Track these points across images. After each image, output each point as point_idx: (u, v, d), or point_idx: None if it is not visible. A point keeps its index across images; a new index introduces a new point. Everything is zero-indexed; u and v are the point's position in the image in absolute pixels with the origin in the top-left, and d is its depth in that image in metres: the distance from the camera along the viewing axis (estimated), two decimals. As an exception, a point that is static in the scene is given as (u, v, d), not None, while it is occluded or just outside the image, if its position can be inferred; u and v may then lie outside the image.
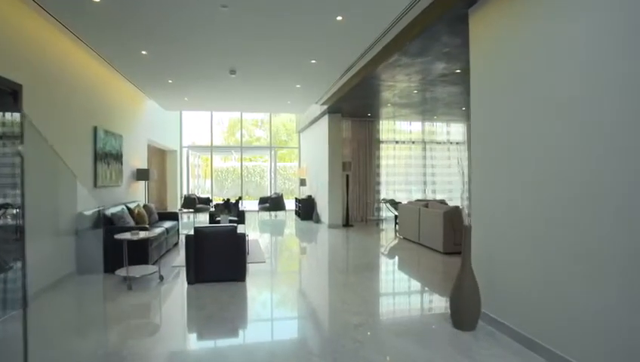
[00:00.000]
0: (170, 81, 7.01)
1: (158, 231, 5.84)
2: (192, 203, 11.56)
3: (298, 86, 7.48)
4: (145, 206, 6.81)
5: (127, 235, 4.61)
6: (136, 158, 8.05)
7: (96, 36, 4.96)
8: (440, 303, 4.06)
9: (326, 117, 9.80)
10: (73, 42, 5.13)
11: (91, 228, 5.14)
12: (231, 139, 17.94)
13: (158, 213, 7.31)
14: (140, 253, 5.09)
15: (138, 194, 8.08)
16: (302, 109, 10.91)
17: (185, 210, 11.09)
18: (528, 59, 2.92)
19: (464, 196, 3.43)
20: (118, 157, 6.77)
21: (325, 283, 4.99)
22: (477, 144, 3.62)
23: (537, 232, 2.85)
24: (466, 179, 3.46)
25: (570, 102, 2.55)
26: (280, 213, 12.73)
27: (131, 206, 6.40)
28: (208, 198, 12.62)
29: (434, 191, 11.83)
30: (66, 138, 5.03)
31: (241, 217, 7.43)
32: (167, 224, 6.71)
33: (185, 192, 13.52)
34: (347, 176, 10.05)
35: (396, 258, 6.53)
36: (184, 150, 14.01)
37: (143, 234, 4.74)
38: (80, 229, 5.08)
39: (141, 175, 8.00)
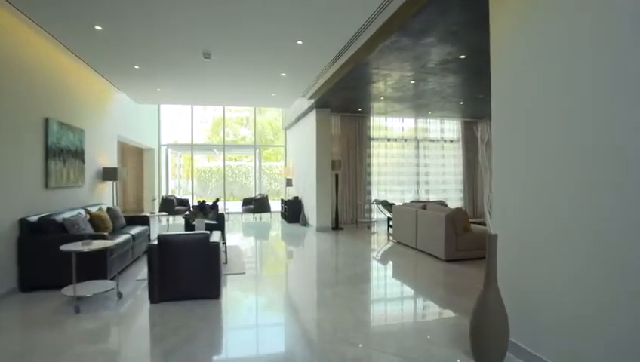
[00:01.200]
0: (136, 67, 6.20)
1: (120, 239, 5.07)
2: (170, 205, 10.73)
3: (283, 75, 6.77)
4: (109, 209, 6.01)
5: (76, 246, 3.83)
6: (102, 156, 7.22)
7: (41, 9, 4.17)
8: (454, 328, 3.40)
9: (314, 112, 9.11)
10: (15, 17, 4.33)
11: (38, 236, 4.34)
12: (215, 139, 17.10)
13: (128, 217, 6.52)
14: (97, 265, 4.31)
15: (105, 196, 7.26)
16: (288, 103, 10.19)
17: (157, 214, 10.25)
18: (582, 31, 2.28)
19: (487, 199, 2.77)
20: (78, 154, 5.95)
21: (314, 300, 4.30)
22: (501, 136, 2.97)
23: (586, 245, 2.21)
24: (485, 179, 2.80)
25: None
26: (265, 216, 11.99)
27: (92, 210, 5.60)
28: (187, 200, 11.80)
29: (427, 192, 11.25)
30: (6, 130, 4.22)
31: (220, 221, 6.68)
32: (136, 229, 5.93)
33: (164, 193, 12.66)
34: (336, 176, 9.38)
35: (393, 267, 5.87)
36: (163, 148, 13.14)
37: (97, 244, 3.96)
38: (23, 238, 4.27)
39: (108, 174, 7.19)
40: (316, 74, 6.84)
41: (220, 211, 7.85)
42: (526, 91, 2.67)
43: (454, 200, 11.44)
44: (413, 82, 6.66)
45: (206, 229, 5.90)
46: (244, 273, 5.20)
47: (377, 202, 9.03)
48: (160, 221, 10.90)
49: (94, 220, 5.27)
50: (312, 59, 5.94)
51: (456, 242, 5.71)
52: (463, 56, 5.21)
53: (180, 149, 14.99)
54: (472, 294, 4.04)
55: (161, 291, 3.88)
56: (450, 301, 4.09)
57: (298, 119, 10.64)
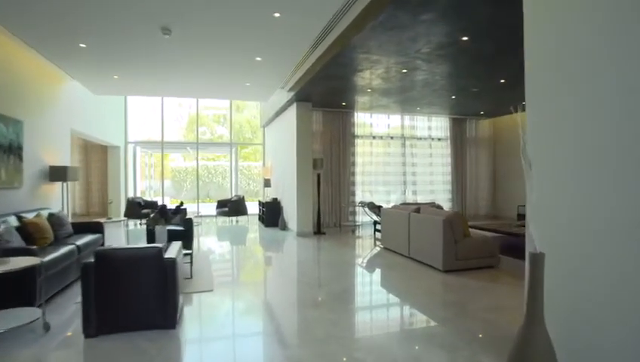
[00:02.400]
0: (82, 45, 5.27)
1: (59, 252, 4.17)
2: (135, 208, 9.75)
3: (258, 59, 5.98)
4: (52, 216, 5.08)
5: (-16, 266, 2.94)
6: (50, 152, 6.26)
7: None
8: (468, 363, 2.69)
9: (294, 106, 8.35)
10: None
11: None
12: (190, 137, 16.07)
13: (77, 225, 5.60)
14: (20, 289, 3.43)
15: (53, 200, 6.29)
16: (265, 96, 9.40)
17: (120, 219, 9.27)
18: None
19: (531, 202, 2.06)
20: (12, 150, 5.01)
21: (294, 328, 3.54)
22: (542, 120, 2.28)
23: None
24: (529, 182, 2.09)
25: None
26: (242, 219, 11.13)
27: (28, 216, 4.67)
28: (156, 202, 10.81)
29: (415, 193, 10.64)
30: None
31: (188, 226, 5.82)
32: (84, 239, 5.04)
33: (131, 195, 11.63)
34: (318, 176, 8.65)
35: (385, 281, 5.17)
36: (130, 146, 12.10)
37: (17, 262, 3.08)
38: None
39: (57, 174, 6.23)
40: (296, 60, 6.09)
41: (189, 215, 6.99)
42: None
43: (442, 201, 10.87)
44: (404, 71, 5.98)
45: (170, 237, 5.06)
46: (212, 290, 4.39)
47: (363, 204, 8.34)
48: (127, 226, 9.92)
49: (28, 229, 4.35)
50: (292, 39, 5.18)
51: (456, 250, 5.05)
52: (465, 38, 4.55)
53: (150, 147, 13.93)
54: (489, 319, 3.41)
55: (100, 322, 3.04)
56: (463, 329, 3.39)
57: (277, 114, 9.85)
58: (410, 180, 10.61)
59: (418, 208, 5.86)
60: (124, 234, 8.80)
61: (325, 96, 8.04)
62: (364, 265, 5.86)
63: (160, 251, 3.24)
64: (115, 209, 11.03)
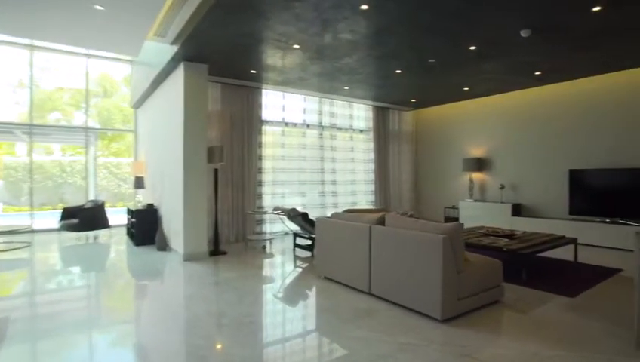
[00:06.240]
0: None
1: None
2: None
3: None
4: None
5: None
6: None
7: None
8: None
9: (181, 69, 5.68)
10: None
11: None
12: (41, 121, 11.59)
13: None
14: None
15: None
16: (131, 44, 6.51)
17: None
18: None
19: None
20: None
21: None
22: None
23: None
24: None
25: None
26: (101, 233, 7.86)
27: None
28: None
29: (334, 194, 8.75)
30: None
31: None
32: None
33: None
34: (216, 172, 6.11)
35: (353, 356, 2.98)
36: None
37: None
38: None
39: None
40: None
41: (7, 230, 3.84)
42: None
43: (365, 204, 9.23)
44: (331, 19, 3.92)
45: None
46: None
47: (284, 212, 6.05)
48: None
49: None
50: None
51: (459, 284, 3.15)
52: None
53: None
54: None
55: None
56: None
57: (155, 85, 6.96)
58: (329, 179, 8.69)
59: (382, 217, 3.83)
60: None
61: (228, 57, 5.57)
62: (303, 321, 3.59)
63: None
64: None
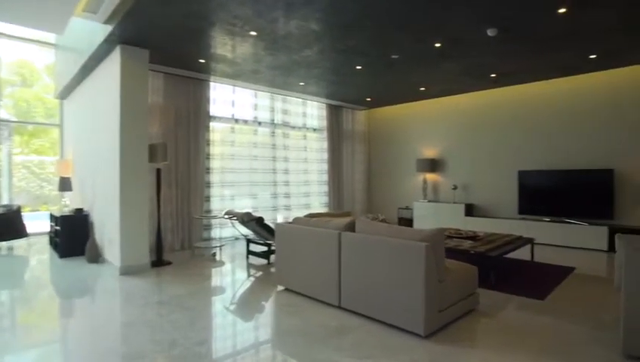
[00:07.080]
0: None
1: None
2: None
3: None
4: None
5: None
6: None
7: None
8: None
9: (117, 53, 4.94)
10: None
11: None
12: None
13: None
14: None
15: None
16: (51, 21, 5.65)
17: None
18: None
19: None
20: None
21: None
22: None
23: None
24: None
25: None
26: (17, 244, 6.76)
27: None
28: None
29: (287, 196, 8.33)
30: None
31: None
32: None
33: None
34: (159, 172, 5.43)
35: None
36: None
37: None
38: None
39: None
40: None
41: None
42: None
43: (318, 207, 8.92)
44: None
45: None
46: None
47: (236, 217, 5.51)
48: None
49: None
50: None
51: (441, 295, 2.90)
52: None
53: None
54: None
55: None
56: None
57: (85, 72, 6.07)
58: (281, 180, 8.25)
59: (352, 223, 3.50)
60: None
61: (173, 42, 4.94)
62: (271, 342, 3.15)
63: None
64: None
